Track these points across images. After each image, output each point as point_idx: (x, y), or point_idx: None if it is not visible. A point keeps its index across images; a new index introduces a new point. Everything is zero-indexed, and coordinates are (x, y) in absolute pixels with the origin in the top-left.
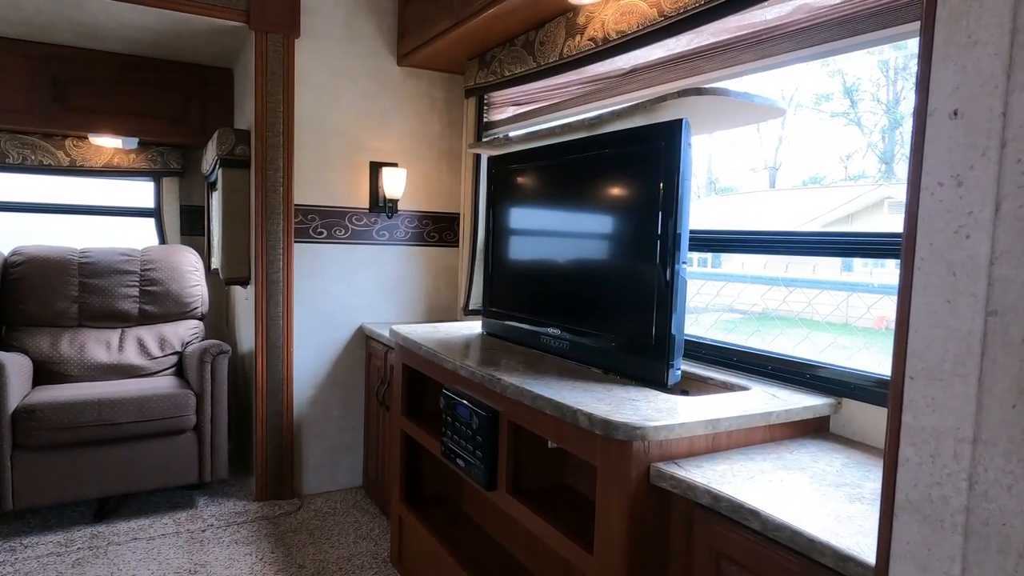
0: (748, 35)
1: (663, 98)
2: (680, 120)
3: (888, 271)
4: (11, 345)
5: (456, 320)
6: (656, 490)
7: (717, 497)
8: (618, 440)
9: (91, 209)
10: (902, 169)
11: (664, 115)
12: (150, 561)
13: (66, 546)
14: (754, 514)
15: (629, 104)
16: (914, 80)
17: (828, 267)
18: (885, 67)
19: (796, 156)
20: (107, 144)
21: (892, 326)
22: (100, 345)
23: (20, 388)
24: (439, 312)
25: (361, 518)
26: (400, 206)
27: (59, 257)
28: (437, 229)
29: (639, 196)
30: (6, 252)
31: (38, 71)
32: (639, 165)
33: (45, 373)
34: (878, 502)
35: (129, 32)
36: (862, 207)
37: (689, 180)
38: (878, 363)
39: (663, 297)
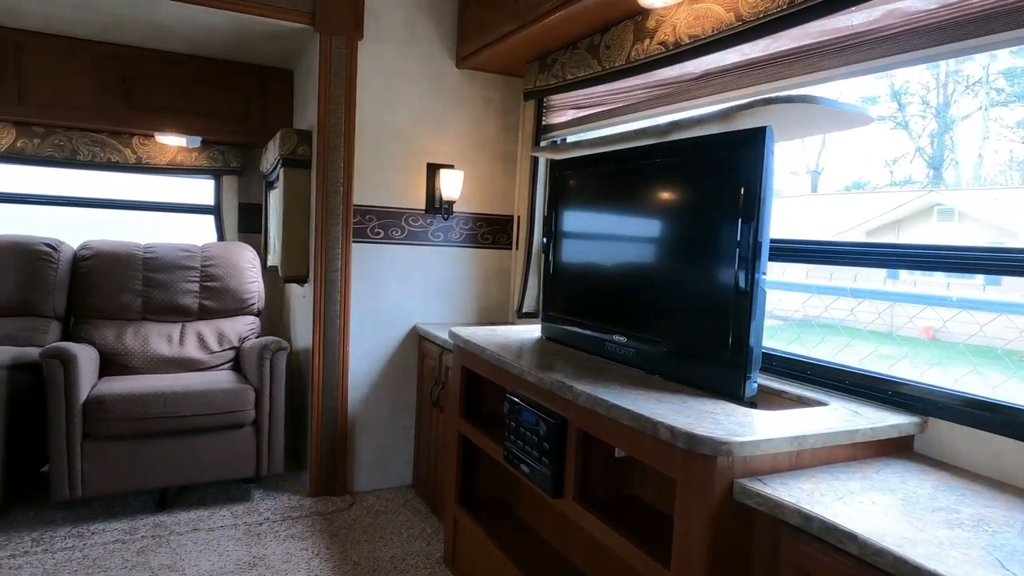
0: (832, 40)
1: (749, 104)
2: (764, 128)
3: (963, 287)
4: (79, 336)
5: (508, 322)
6: (739, 507)
7: (808, 517)
8: (702, 455)
9: (155, 205)
10: (951, 174)
11: (742, 122)
12: (210, 552)
13: (130, 534)
14: (851, 537)
15: (717, 109)
16: (966, 84)
17: (872, 276)
18: (936, 70)
19: (839, 160)
20: (171, 142)
21: (938, 336)
22: (162, 338)
23: (89, 379)
24: (491, 314)
25: (412, 517)
26: (455, 208)
27: (125, 252)
28: (491, 231)
29: (717, 204)
30: (75, 246)
31: (109, 71)
32: (718, 172)
33: (110, 364)
34: (979, 528)
35: (196, 33)
36: (910, 213)
37: (771, 188)
38: (925, 375)
39: (741, 307)
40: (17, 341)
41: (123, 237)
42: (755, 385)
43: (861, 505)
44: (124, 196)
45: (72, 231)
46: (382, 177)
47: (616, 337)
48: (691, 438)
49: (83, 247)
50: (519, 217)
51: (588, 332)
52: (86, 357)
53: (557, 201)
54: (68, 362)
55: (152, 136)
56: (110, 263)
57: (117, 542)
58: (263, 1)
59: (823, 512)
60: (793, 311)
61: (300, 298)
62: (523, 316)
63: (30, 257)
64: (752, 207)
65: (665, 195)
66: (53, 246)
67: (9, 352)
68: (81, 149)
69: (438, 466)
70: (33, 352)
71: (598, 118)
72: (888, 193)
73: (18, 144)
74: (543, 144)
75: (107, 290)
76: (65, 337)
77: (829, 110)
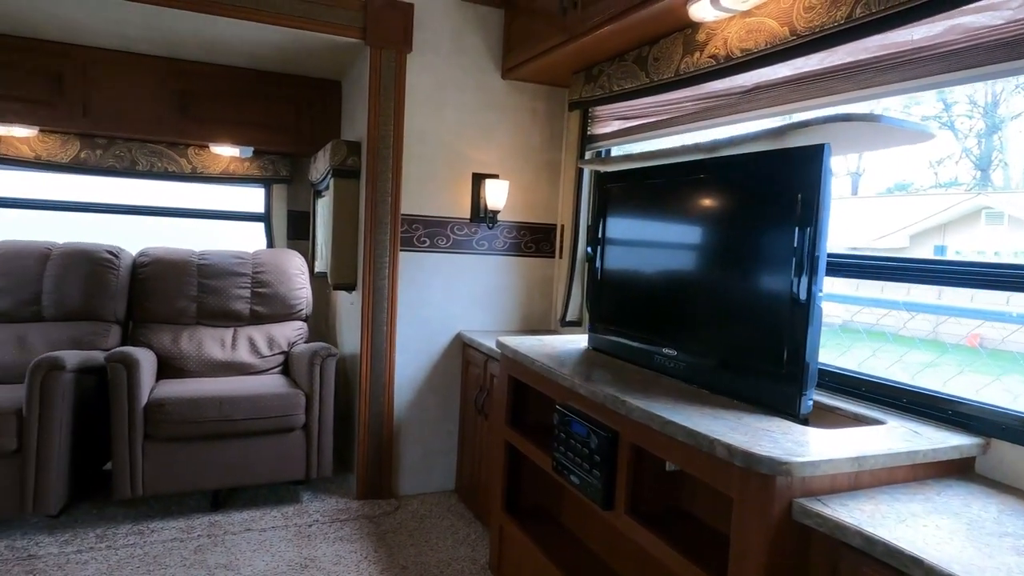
0: (890, 55)
1: (807, 123)
2: (823, 145)
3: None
4: (138, 340)
5: (551, 330)
6: (798, 527)
7: (871, 540)
8: (760, 473)
9: (209, 213)
10: (1000, 176)
11: (797, 138)
12: (263, 552)
13: (187, 532)
14: (916, 562)
15: (773, 127)
16: (1016, 82)
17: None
18: None
19: (881, 161)
20: (225, 152)
21: (985, 344)
22: (216, 343)
23: (148, 382)
24: (533, 322)
25: (457, 522)
26: (499, 217)
27: (181, 259)
28: (534, 240)
29: (774, 220)
30: (134, 253)
31: (168, 85)
32: (776, 189)
33: (166, 367)
34: None
35: (251, 48)
36: (957, 217)
37: (829, 205)
38: (983, 391)
39: (797, 323)
40: (81, 344)
41: (173, 244)
42: (811, 403)
43: (925, 529)
44: (179, 204)
45: (130, 238)
46: (428, 187)
47: (666, 350)
48: (749, 457)
49: (141, 254)
50: (563, 226)
51: (636, 344)
52: (146, 361)
53: (604, 212)
54: (131, 366)
55: (207, 147)
56: (167, 269)
57: (175, 540)
58: (317, 17)
59: (886, 535)
60: (835, 316)
61: (348, 305)
62: (566, 325)
63: (93, 264)
64: (810, 223)
65: (718, 210)
66: (114, 253)
67: (77, 356)
68: (140, 159)
69: (481, 472)
70: (98, 356)
71: (644, 129)
72: (933, 196)
73: (82, 155)
74: (588, 155)
75: (164, 295)
76: (124, 341)
77: (891, 128)
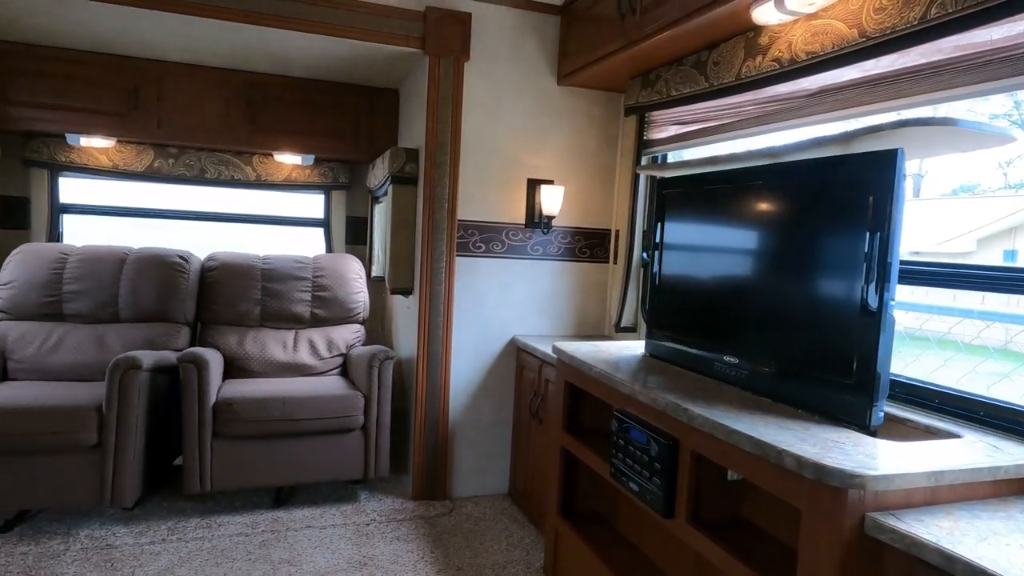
0: (967, 56)
1: (878, 127)
2: (896, 150)
3: None
4: (206, 341)
5: (605, 336)
6: (870, 541)
7: (951, 558)
8: (831, 486)
9: (271, 219)
10: None
11: (866, 143)
12: (324, 549)
13: (252, 528)
14: None
15: (840, 132)
16: None
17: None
18: None
19: (945, 162)
20: (287, 160)
21: None
22: (278, 344)
23: (216, 382)
24: (587, 327)
25: (511, 525)
26: (554, 222)
27: (246, 263)
28: (588, 245)
29: (843, 226)
30: (202, 258)
31: (236, 96)
32: (847, 195)
33: (231, 367)
34: None
35: (315, 60)
36: None
37: (902, 211)
38: None
39: (869, 332)
40: (155, 344)
41: (238, 248)
42: (882, 414)
43: (1008, 548)
44: (244, 210)
45: (198, 242)
46: (484, 192)
47: (727, 358)
48: (820, 469)
49: (209, 258)
50: (617, 231)
51: (696, 351)
52: (215, 361)
53: (662, 218)
54: (202, 367)
55: (271, 155)
56: (233, 274)
57: (240, 535)
58: (379, 29)
59: (967, 553)
60: (899, 324)
61: (404, 309)
62: (621, 331)
63: (166, 268)
64: (881, 229)
65: (783, 216)
66: (185, 258)
67: (152, 356)
68: (208, 168)
69: (535, 476)
70: (170, 356)
71: (703, 134)
72: (1002, 198)
73: (155, 164)
74: (645, 161)
75: (230, 299)
76: (193, 342)
77: (969, 132)
